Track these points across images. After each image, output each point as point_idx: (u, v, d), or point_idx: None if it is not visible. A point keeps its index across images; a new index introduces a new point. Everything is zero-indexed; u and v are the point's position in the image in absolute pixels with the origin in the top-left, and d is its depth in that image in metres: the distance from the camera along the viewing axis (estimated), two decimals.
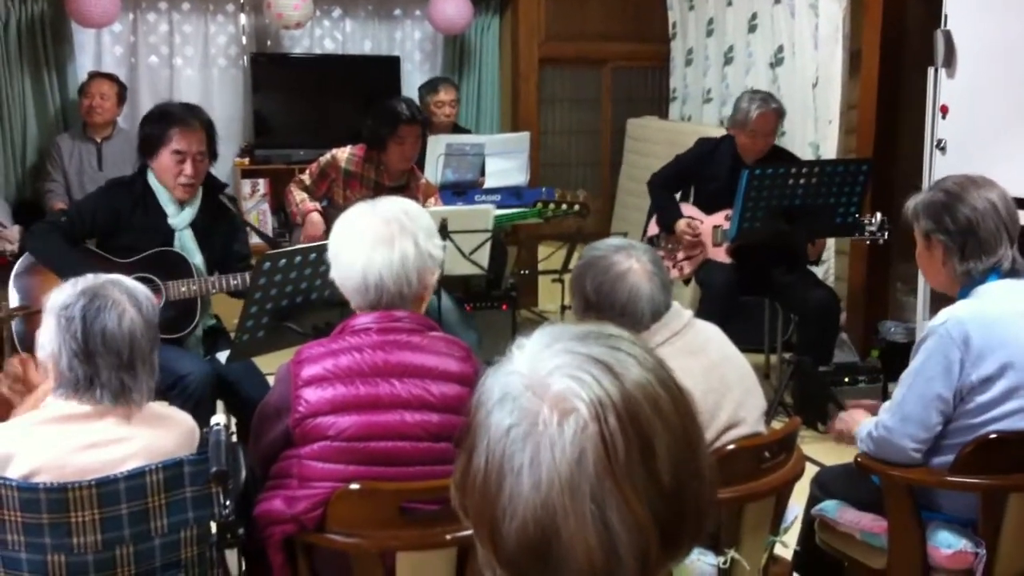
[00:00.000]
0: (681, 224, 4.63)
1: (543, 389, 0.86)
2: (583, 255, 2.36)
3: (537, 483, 0.83)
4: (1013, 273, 2.36)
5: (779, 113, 4.59)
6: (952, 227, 2.34)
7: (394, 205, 2.22)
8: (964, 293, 2.37)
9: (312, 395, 2.06)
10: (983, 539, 2.33)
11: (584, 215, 4.77)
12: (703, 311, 4.45)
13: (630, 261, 2.25)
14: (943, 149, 4.65)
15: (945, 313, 2.34)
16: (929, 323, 2.36)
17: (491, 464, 0.86)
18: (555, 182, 5.90)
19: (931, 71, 4.64)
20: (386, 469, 2.07)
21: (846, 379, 4.34)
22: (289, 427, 2.08)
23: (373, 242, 2.13)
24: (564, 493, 0.83)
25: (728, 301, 4.48)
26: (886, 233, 4.30)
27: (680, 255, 4.73)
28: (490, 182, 5.15)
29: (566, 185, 5.73)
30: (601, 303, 2.23)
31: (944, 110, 4.63)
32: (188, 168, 3.25)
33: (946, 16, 4.54)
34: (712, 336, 2.38)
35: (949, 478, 2.34)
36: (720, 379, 2.27)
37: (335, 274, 2.18)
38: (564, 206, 4.74)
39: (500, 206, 4.85)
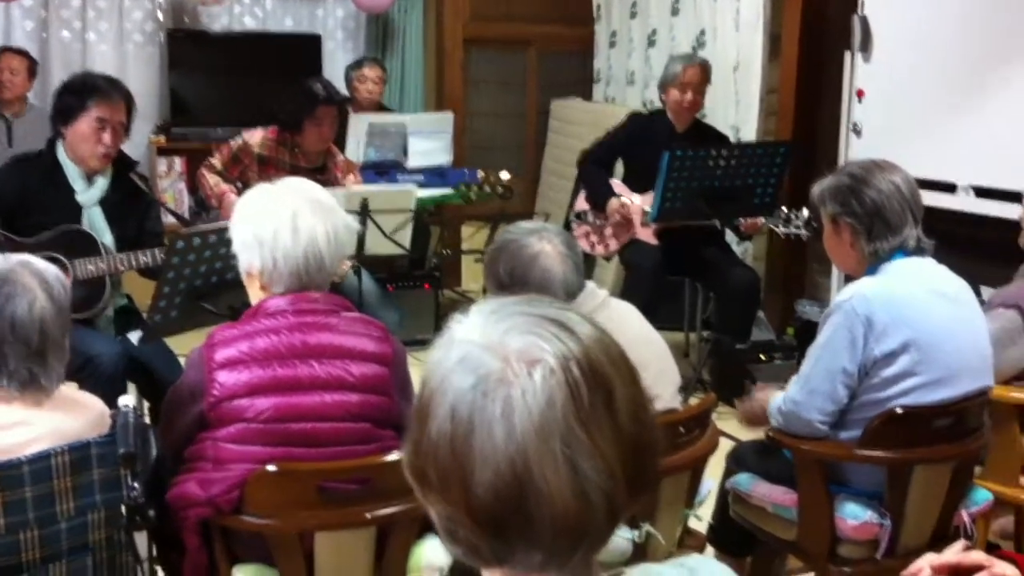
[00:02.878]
0: (614, 203, 4.65)
1: (503, 348, 0.89)
2: (496, 239, 2.38)
3: (510, 431, 0.86)
4: (918, 252, 2.42)
5: (705, 68, 4.69)
6: (859, 209, 2.39)
7: (301, 184, 2.20)
8: (871, 272, 2.43)
9: (227, 378, 2.03)
10: (889, 511, 2.39)
11: (507, 198, 4.78)
12: (630, 292, 4.50)
13: (542, 244, 2.28)
14: (859, 132, 4.75)
15: (851, 289, 2.39)
16: (835, 299, 2.42)
17: (458, 422, 0.88)
18: (480, 163, 5.88)
19: (848, 55, 4.74)
20: (305, 450, 2.06)
21: (762, 356, 4.42)
22: (204, 410, 2.05)
23: (311, 219, 2.09)
24: (536, 438, 0.85)
25: (655, 282, 4.53)
26: (811, 232, 4.35)
27: (607, 232, 4.76)
28: (414, 162, 5.12)
29: (491, 166, 5.72)
30: (514, 286, 2.25)
31: (860, 94, 4.73)
32: (107, 137, 3.19)
33: (863, 2, 4.64)
34: (627, 315, 2.41)
35: (857, 451, 2.39)
36: (636, 357, 2.25)
37: (259, 259, 2.10)
38: (488, 189, 4.73)
39: (424, 186, 4.83)
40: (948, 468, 2.42)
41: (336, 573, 2.10)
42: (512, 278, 2.26)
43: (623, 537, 2.26)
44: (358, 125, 4.99)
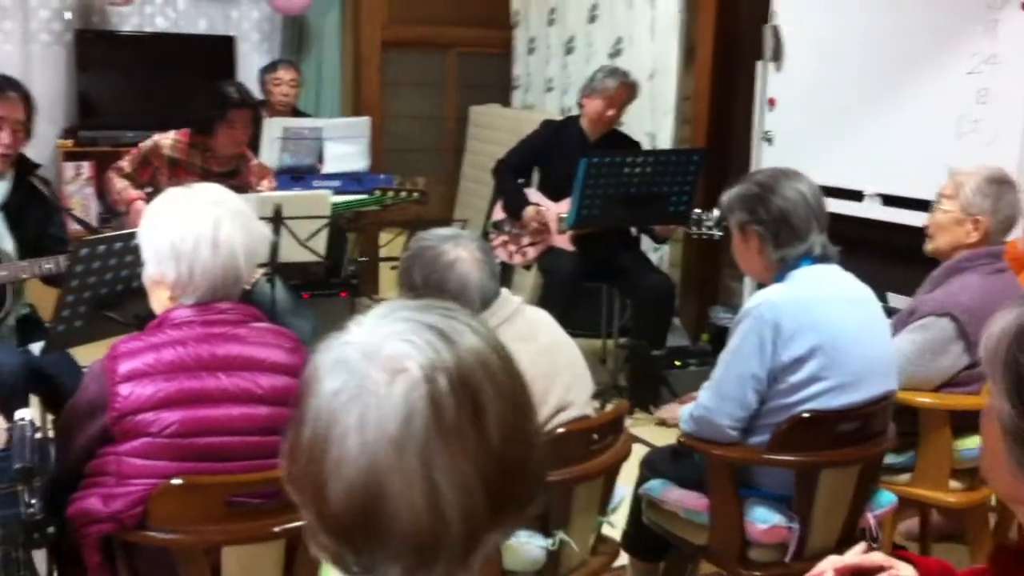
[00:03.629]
0: (530, 211, 4.67)
1: (375, 353, 0.87)
2: (411, 246, 2.36)
3: (364, 443, 0.84)
4: (824, 259, 2.47)
5: (635, 89, 4.76)
6: (766, 217, 2.44)
7: (220, 192, 2.15)
8: (779, 279, 2.47)
9: (131, 391, 1.97)
10: (797, 514, 2.43)
11: (423, 202, 4.76)
12: (547, 298, 4.52)
13: (458, 250, 2.27)
14: (770, 140, 4.84)
15: (759, 296, 2.43)
16: (744, 306, 2.45)
17: (318, 428, 0.86)
18: (398, 168, 5.86)
19: (760, 64, 4.83)
20: (212, 465, 2.01)
21: (677, 362, 4.48)
22: (107, 424, 1.99)
23: (231, 232, 2.04)
24: (391, 453, 0.83)
25: (571, 288, 4.56)
26: (722, 232, 4.43)
27: (524, 240, 4.78)
28: (330, 167, 5.07)
29: (409, 171, 5.70)
30: (430, 293, 2.23)
31: (772, 102, 4.83)
32: (4, 136, 3.08)
33: (774, 11, 4.73)
34: (541, 322, 2.41)
35: (766, 456, 2.43)
36: (550, 364, 2.31)
37: (174, 270, 2.03)
38: (403, 193, 4.71)
39: (340, 192, 4.78)
40: (854, 471, 2.47)
41: None
42: (428, 285, 2.25)
43: (537, 546, 2.26)
44: (272, 130, 4.92)
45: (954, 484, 2.86)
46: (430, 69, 6.70)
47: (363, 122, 5.40)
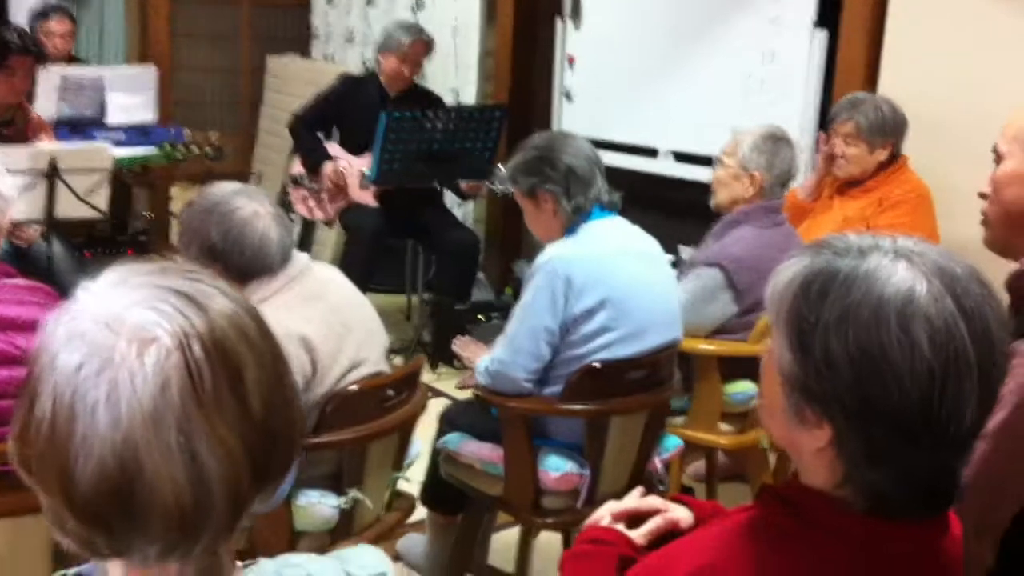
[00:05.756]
0: (328, 167, 4.57)
1: (119, 323, 0.80)
2: (195, 202, 2.25)
3: (116, 419, 0.78)
4: (611, 205, 2.55)
5: (430, 44, 4.70)
6: (554, 174, 2.51)
7: None
8: (569, 232, 2.52)
9: None
10: (588, 461, 2.49)
11: (217, 158, 4.56)
12: (350, 255, 4.45)
13: (254, 205, 2.20)
14: (570, 97, 4.91)
15: (550, 251, 2.47)
16: (536, 261, 2.48)
17: (59, 406, 0.80)
18: (190, 121, 5.59)
19: (559, 22, 4.87)
20: None
21: (481, 317, 4.51)
22: None
23: None
24: (147, 426, 0.78)
25: (375, 244, 4.49)
26: None
27: (325, 196, 4.67)
28: (113, 119, 4.77)
29: (202, 123, 5.46)
30: (229, 249, 2.15)
31: (571, 60, 4.88)
32: None
33: None
34: (331, 279, 2.36)
35: (559, 406, 2.48)
36: (341, 321, 2.26)
37: None
38: (195, 148, 4.50)
39: (125, 145, 4.53)
40: (642, 418, 2.56)
41: (12, 563, 1.93)
42: (226, 241, 2.16)
43: (329, 505, 2.22)
44: (49, 78, 4.58)
45: (726, 427, 3.01)
46: (222, 19, 6.42)
47: (148, 71, 5.09)
